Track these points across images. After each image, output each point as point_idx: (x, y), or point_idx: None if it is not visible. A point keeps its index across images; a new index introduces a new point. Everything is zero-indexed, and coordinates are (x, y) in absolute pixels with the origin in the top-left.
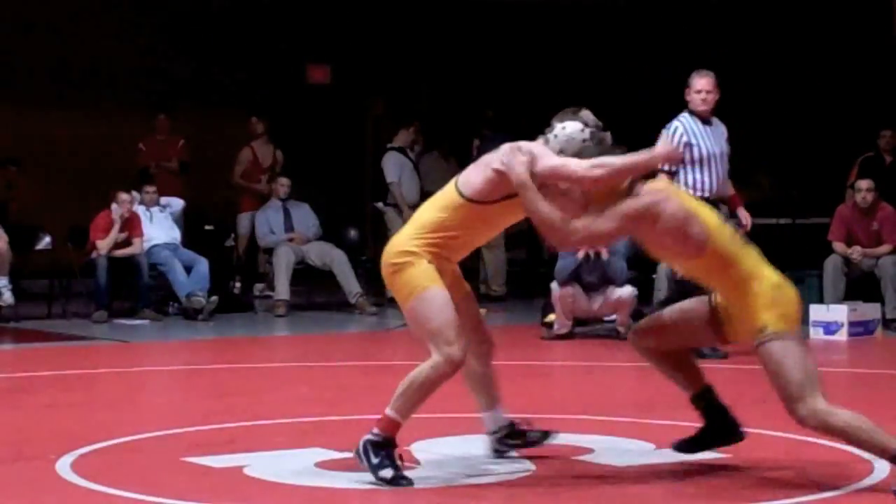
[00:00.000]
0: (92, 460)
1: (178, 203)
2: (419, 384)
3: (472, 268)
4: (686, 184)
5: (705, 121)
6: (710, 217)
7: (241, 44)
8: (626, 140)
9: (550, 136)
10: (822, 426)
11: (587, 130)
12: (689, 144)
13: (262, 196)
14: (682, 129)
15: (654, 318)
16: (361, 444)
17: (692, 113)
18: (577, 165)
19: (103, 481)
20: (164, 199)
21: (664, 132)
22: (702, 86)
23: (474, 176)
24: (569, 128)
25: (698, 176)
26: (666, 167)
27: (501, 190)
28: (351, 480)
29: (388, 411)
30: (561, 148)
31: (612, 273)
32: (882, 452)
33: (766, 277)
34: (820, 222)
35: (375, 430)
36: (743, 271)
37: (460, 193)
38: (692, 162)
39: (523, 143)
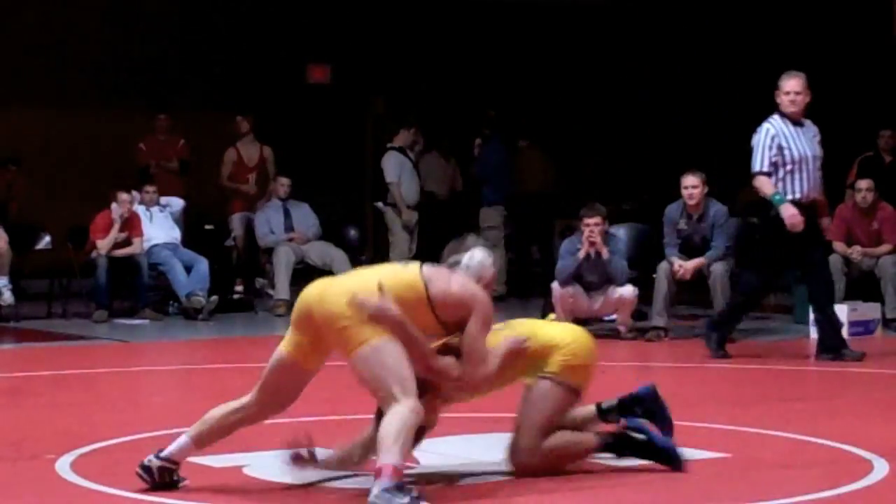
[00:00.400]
0: (92, 460)
1: (178, 203)
2: (407, 429)
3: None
4: (779, 188)
5: (796, 122)
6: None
7: (241, 44)
8: (625, 140)
9: (462, 267)
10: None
11: (490, 258)
12: (780, 147)
13: (251, 197)
14: (773, 131)
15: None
16: (380, 493)
17: (782, 115)
18: (493, 360)
19: (103, 481)
20: (164, 199)
21: (755, 135)
22: (791, 87)
23: (444, 283)
24: (477, 255)
25: (789, 179)
26: (765, 168)
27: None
28: (350, 480)
29: (393, 461)
30: (478, 277)
31: (614, 272)
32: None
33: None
34: None
35: (387, 482)
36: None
37: (425, 285)
38: (783, 165)
39: (471, 290)
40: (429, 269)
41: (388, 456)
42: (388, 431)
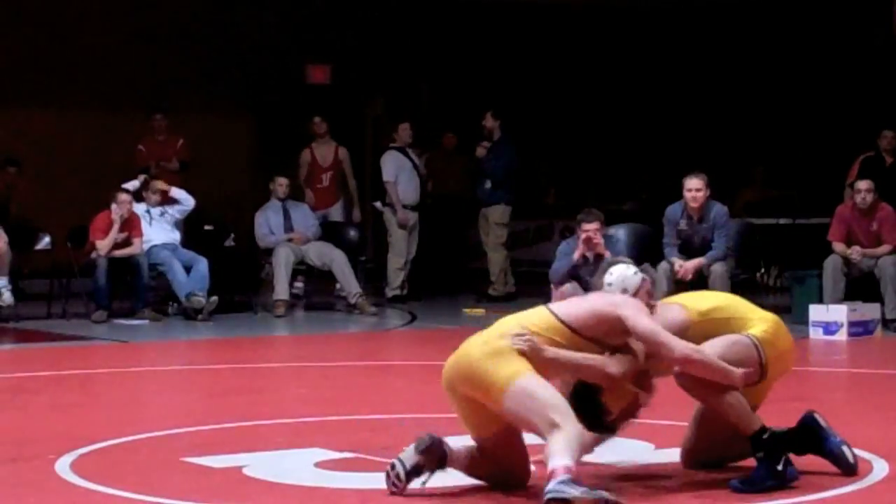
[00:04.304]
0: (92, 460)
1: (187, 200)
2: (576, 441)
3: (479, 269)
4: None
5: None
6: None
7: (241, 44)
8: (625, 140)
9: (606, 286)
10: None
11: (630, 269)
12: None
13: (325, 197)
14: None
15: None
16: (556, 485)
17: None
18: (677, 342)
19: (103, 481)
20: (175, 191)
21: None
22: None
23: (573, 306)
24: (616, 270)
25: None
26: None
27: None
28: (350, 480)
29: (564, 463)
30: (622, 290)
31: None
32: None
33: None
34: (820, 222)
35: (562, 476)
36: None
37: (554, 315)
38: None
39: (606, 300)
40: (553, 305)
41: (558, 459)
42: (555, 447)
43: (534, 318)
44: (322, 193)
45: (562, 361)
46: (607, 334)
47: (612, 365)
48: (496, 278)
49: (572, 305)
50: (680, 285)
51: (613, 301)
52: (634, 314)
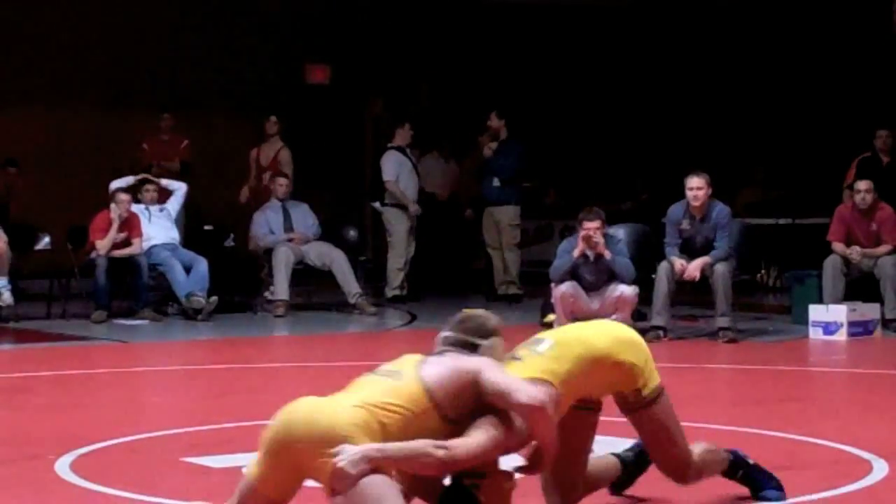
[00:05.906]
0: (91, 460)
1: (178, 185)
2: None
3: (478, 269)
4: None
5: None
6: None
7: (241, 44)
8: (625, 140)
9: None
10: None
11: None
12: None
13: (259, 197)
14: None
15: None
16: None
17: None
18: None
19: (103, 481)
20: (164, 181)
21: None
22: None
23: (443, 379)
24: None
25: None
26: None
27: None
28: None
29: None
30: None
31: (621, 270)
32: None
33: None
34: (820, 222)
35: None
36: None
37: (428, 394)
38: None
39: (465, 365)
40: (428, 369)
41: None
42: None
43: (403, 394)
44: (255, 192)
45: (393, 459)
46: (462, 415)
47: (441, 449)
48: (514, 278)
49: (443, 380)
50: (680, 285)
51: (475, 367)
52: (493, 373)
